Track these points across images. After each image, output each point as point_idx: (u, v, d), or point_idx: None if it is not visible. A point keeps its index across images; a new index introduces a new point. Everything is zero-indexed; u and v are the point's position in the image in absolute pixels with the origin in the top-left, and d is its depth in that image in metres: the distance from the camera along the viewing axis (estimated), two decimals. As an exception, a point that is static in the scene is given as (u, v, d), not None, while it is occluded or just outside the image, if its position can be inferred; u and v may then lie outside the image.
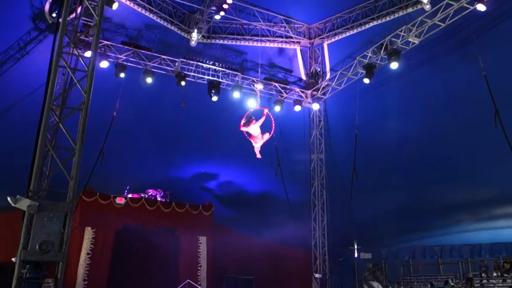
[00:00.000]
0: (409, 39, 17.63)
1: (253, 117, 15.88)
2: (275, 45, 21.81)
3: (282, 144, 19.81)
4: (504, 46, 16.41)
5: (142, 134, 20.29)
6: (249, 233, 22.05)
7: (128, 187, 19.70)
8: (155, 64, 19.34)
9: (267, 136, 15.82)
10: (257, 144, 15.67)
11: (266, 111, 16.21)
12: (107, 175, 18.53)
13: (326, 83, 21.88)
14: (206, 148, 21.28)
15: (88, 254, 17.71)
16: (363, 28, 20.45)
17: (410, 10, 18.77)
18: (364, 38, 20.47)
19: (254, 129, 15.69)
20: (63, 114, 9.91)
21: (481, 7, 15.45)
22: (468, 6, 15.85)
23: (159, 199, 19.96)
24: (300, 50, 22.42)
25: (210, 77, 20.11)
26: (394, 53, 17.94)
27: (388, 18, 19.54)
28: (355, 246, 22.92)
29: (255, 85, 19.34)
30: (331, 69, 22.04)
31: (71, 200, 8.07)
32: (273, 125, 16.39)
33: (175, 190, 20.46)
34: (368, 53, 19.31)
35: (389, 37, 18.32)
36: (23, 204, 7.59)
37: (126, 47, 18.90)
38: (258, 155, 15.78)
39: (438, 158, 19.33)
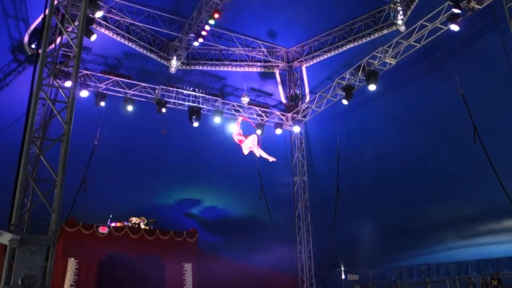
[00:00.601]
0: (386, 60, 17.90)
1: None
2: (254, 69, 22.07)
3: (265, 167, 19.79)
4: (478, 64, 16.67)
5: (124, 162, 20.19)
6: (235, 258, 21.87)
7: (111, 216, 19.45)
8: (135, 92, 19.37)
9: (250, 139, 15.24)
10: (245, 148, 15.15)
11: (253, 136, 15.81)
12: (90, 204, 18.35)
13: (306, 106, 22.09)
14: (189, 174, 21.26)
15: (71, 286, 17.26)
16: (340, 50, 20.76)
17: (385, 31, 19.13)
18: (342, 60, 20.74)
19: (248, 141, 15.30)
20: (43, 146, 9.85)
21: (454, 27, 15.77)
22: (442, 26, 16.17)
23: (142, 227, 19.70)
24: (279, 73, 22.68)
25: (191, 103, 20.21)
26: (371, 74, 18.19)
27: (364, 40, 19.87)
28: (342, 268, 22.74)
29: (241, 98, 19.25)
30: (311, 92, 22.30)
31: (53, 233, 8.00)
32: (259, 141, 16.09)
33: (159, 217, 20.26)
34: (346, 75, 19.55)
35: (366, 58, 18.56)
36: (5, 238, 7.45)
37: (106, 76, 18.96)
38: (245, 152, 15.30)
39: (420, 175, 19.45)
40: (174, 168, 20.98)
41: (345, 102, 19.30)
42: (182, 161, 20.95)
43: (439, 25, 16.23)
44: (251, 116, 21.81)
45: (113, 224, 19.24)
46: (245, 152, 14.79)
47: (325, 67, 21.49)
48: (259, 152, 15.00)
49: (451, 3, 15.28)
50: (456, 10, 15.25)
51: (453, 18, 15.48)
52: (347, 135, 20.26)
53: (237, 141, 15.06)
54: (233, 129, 15.77)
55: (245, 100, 19.42)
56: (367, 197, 20.93)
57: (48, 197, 8.36)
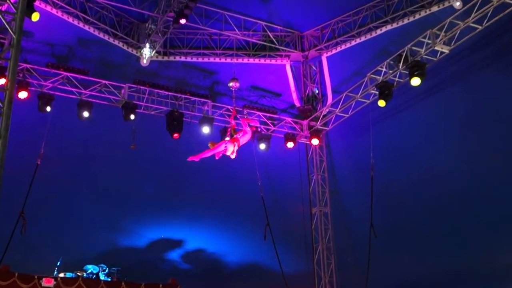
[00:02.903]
0: (436, 48, 17.79)
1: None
2: (256, 60, 22.10)
3: (271, 194, 19.88)
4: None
5: (79, 188, 20.33)
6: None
7: (58, 263, 19.43)
8: (93, 93, 19.41)
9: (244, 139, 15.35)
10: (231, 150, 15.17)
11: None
12: (30, 247, 18.33)
13: (327, 110, 22.02)
14: (166, 204, 21.32)
15: None
16: (374, 34, 20.75)
17: (435, 9, 19.02)
18: (376, 48, 20.77)
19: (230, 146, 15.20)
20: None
21: (529, 3, 15.67)
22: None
23: (102, 278, 19.67)
24: (291, 66, 22.64)
25: (169, 108, 20.23)
26: (416, 66, 18.12)
27: (406, 21, 19.81)
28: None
29: (229, 83, 18.70)
30: (334, 91, 22.25)
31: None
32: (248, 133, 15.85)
33: (125, 265, 20.24)
34: (382, 67, 19.50)
35: (409, 45, 18.46)
36: None
37: (53, 70, 19.01)
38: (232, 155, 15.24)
39: (483, 204, 19.45)
40: (147, 196, 21.03)
41: (381, 104, 19.25)
42: (157, 187, 21.02)
43: (507, 0, 16.01)
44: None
45: (61, 275, 19.07)
46: (232, 154, 15.02)
47: (353, 57, 21.50)
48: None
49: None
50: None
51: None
52: (384, 150, 20.19)
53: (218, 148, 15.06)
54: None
55: (234, 84, 18.93)
56: (411, 233, 20.89)
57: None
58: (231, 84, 18.38)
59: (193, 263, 22.87)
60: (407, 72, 18.50)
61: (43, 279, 18.35)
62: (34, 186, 16.47)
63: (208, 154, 14.94)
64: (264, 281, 21.88)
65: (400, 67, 18.73)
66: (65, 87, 19.08)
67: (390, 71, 19.18)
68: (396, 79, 19.23)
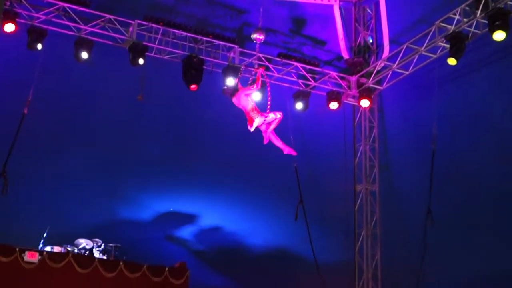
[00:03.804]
0: (527, -9, 17.10)
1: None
2: None
3: (307, 165, 19.91)
4: None
5: (72, 144, 20.28)
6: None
7: (45, 235, 19.34)
8: (95, 29, 18.91)
9: (272, 116, 15.69)
10: (256, 122, 15.64)
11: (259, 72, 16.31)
12: (11, 214, 18.67)
13: (382, 64, 21.50)
14: (177, 169, 21.33)
15: None
16: (446, -31, 20.16)
17: None
18: (447, -11, 20.17)
19: (243, 99, 15.91)
20: None
21: None
22: None
23: (97, 255, 19.65)
24: (340, 7, 22.08)
25: (187, 52, 19.66)
26: (499, 14, 17.30)
27: (489, -47, 19.14)
28: None
29: (252, 34, 18.76)
30: (392, 41, 21.68)
31: None
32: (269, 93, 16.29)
33: (125, 241, 20.20)
34: (454, 14, 18.77)
35: (490, -14, 17.88)
36: None
37: (48, 0, 18.45)
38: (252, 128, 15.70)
39: None
40: (154, 159, 20.91)
41: (452, 62, 18.47)
42: (167, 149, 20.94)
43: None
44: (288, 78, 21.31)
45: (48, 249, 19.10)
46: (252, 127, 15.58)
47: (418, 0, 20.98)
48: (257, 120, 15.57)
49: None
50: None
51: None
52: (452, 119, 19.88)
53: (243, 103, 15.62)
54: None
55: (257, 36, 18.49)
56: (484, 223, 20.51)
57: None
58: (254, 36, 18.30)
59: (208, 243, 23.08)
60: (486, 21, 17.74)
61: (26, 252, 18.41)
62: (19, 140, 16.35)
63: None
64: (293, 270, 22.09)
65: (478, 15, 17.96)
66: (61, 21, 18.59)
67: (465, 20, 18.41)
68: (472, 30, 18.49)
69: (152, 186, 21.46)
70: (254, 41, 18.60)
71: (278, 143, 15.86)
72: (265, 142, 15.93)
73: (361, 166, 22.56)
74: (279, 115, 15.51)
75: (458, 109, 20.39)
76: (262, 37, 18.23)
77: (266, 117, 15.50)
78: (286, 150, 16.09)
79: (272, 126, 15.60)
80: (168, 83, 20.00)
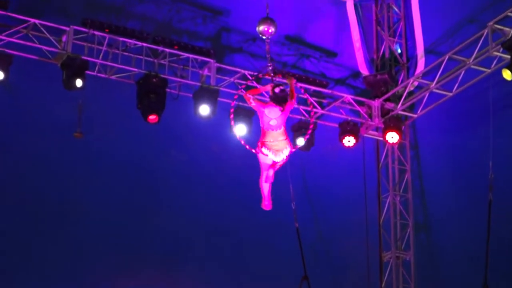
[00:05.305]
0: None
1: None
2: None
3: (313, 227, 20.01)
4: None
5: None
6: None
7: None
8: (13, 39, 18.22)
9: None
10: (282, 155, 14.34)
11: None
12: None
13: (416, 83, 20.94)
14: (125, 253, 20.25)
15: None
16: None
17: None
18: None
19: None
20: None
21: None
22: None
23: None
24: (356, 4, 21.74)
25: (143, 70, 18.94)
26: None
27: None
28: None
29: (258, 26, 17.33)
30: (429, 51, 21.31)
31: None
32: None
33: None
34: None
35: None
36: None
37: None
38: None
39: None
40: (88, 236, 19.92)
41: (507, 75, 17.85)
42: (118, 208, 20.00)
43: None
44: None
45: None
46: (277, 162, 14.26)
47: None
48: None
49: None
50: None
51: None
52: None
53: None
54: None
55: (266, 29, 17.13)
56: None
57: None
58: (261, 28, 16.53)
59: None
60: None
61: None
62: None
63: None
64: None
65: (549, 11, 17.94)
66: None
67: (530, 21, 18.38)
68: (538, 33, 18.40)
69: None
70: (262, 36, 16.81)
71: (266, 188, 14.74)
72: (269, 207, 14.72)
73: (389, 226, 21.83)
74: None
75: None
76: (272, 29, 16.51)
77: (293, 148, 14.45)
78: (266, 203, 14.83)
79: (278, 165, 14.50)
80: (117, 112, 19.53)
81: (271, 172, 14.20)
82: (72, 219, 19.88)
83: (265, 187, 14.30)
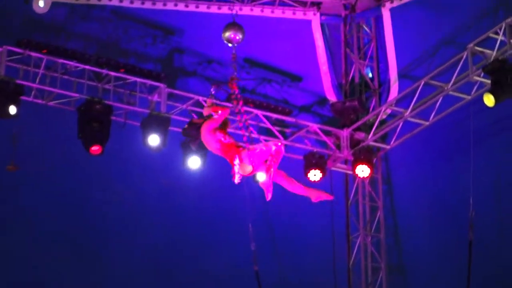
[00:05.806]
0: None
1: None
2: (258, 11, 21.05)
3: (276, 271, 19.99)
4: None
5: None
6: None
7: None
8: None
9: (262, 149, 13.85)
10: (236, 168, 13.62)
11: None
12: None
13: (389, 110, 20.93)
14: None
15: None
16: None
17: None
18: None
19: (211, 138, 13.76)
20: None
21: None
22: None
23: None
24: (322, 24, 21.59)
25: (85, 95, 18.64)
26: None
27: None
28: None
29: (224, 32, 17.35)
30: (403, 75, 21.36)
31: None
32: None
33: None
34: (496, 33, 18.20)
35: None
36: None
37: None
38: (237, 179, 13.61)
39: None
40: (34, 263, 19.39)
41: (489, 101, 17.70)
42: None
43: None
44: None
45: None
46: (236, 178, 13.19)
47: (439, 12, 20.65)
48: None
49: None
50: None
51: None
52: (496, 195, 19.58)
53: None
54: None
55: (233, 35, 16.91)
56: None
57: None
58: (227, 34, 16.00)
59: None
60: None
61: None
62: None
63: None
64: None
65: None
66: None
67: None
68: (523, 55, 18.54)
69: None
70: (229, 44, 16.21)
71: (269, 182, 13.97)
72: (269, 198, 13.61)
73: (359, 269, 21.54)
74: (273, 146, 13.41)
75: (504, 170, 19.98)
76: (240, 36, 15.91)
77: (252, 155, 13.14)
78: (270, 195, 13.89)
79: (273, 167, 13.42)
80: (55, 143, 19.40)
81: (271, 172, 13.38)
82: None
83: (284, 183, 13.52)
